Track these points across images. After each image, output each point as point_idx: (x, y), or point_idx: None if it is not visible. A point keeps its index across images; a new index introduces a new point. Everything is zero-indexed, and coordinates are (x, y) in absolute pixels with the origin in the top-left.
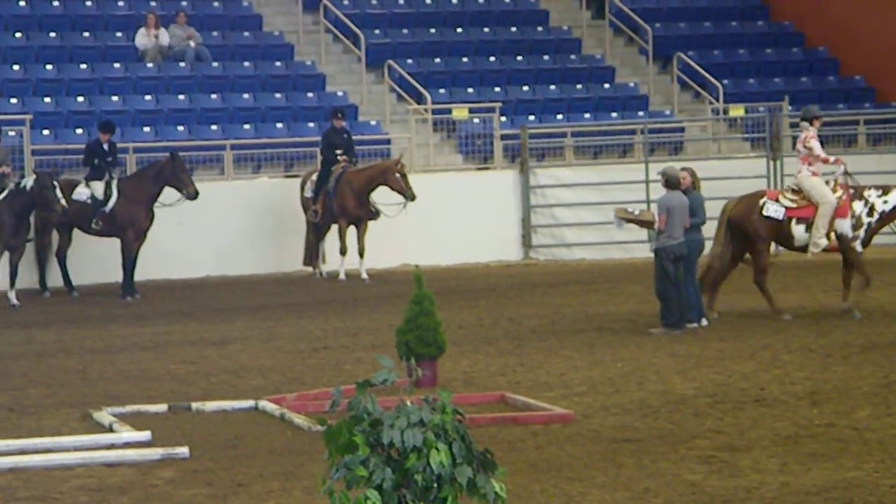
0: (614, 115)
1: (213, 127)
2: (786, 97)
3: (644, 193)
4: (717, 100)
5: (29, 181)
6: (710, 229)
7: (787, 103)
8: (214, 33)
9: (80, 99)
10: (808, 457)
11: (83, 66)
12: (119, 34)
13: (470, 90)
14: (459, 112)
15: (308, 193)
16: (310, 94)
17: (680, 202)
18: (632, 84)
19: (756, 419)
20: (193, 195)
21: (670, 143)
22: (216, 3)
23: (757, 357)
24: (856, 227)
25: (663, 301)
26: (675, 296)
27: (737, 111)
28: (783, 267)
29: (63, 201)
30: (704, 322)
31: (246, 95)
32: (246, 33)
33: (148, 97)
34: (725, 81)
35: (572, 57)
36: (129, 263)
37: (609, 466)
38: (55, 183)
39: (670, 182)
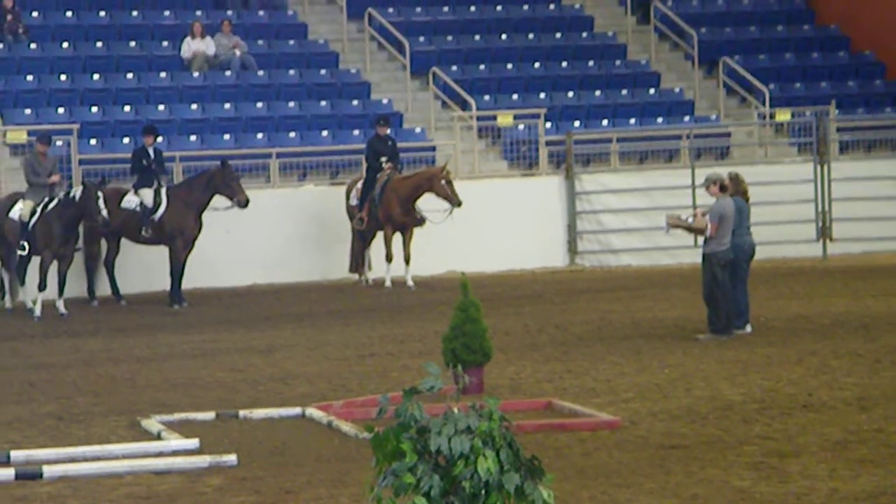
0: (660, 120)
1: (259, 135)
2: (832, 101)
3: (690, 198)
4: (764, 104)
5: (77, 191)
6: (756, 234)
7: (833, 107)
8: (260, 42)
9: (127, 108)
10: (857, 462)
11: (130, 75)
12: (165, 43)
13: (515, 96)
14: (504, 118)
15: (354, 201)
16: (355, 102)
17: (731, 207)
18: (677, 89)
19: (804, 425)
20: (244, 203)
21: (716, 148)
22: (261, 12)
23: (805, 362)
24: None
25: (711, 307)
26: (723, 301)
27: (783, 116)
28: (831, 272)
29: (105, 213)
30: (749, 328)
31: (291, 104)
32: (291, 42)
33: (194, 106)
34: (771, 86)
35: (617, 62)
36: (176, 272)
37: (657, 473)
38: (99, 193)
39: (723, 187)
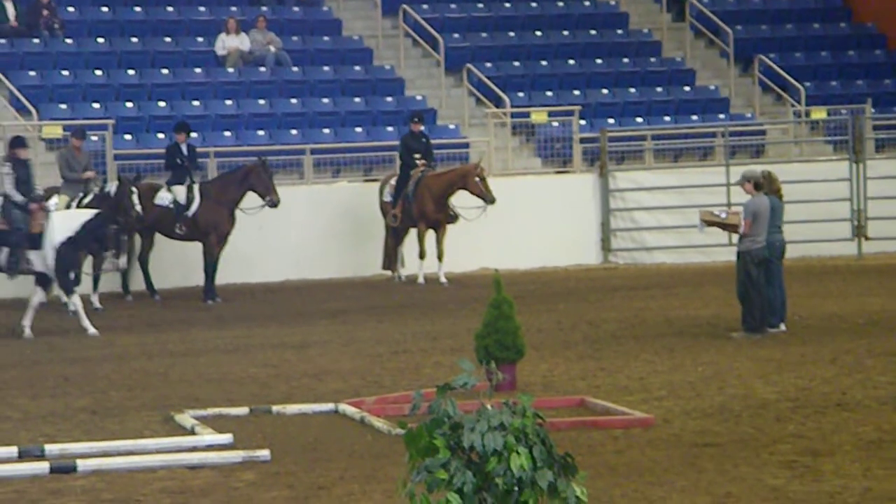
0: (695, 117)
1: (293, 131)
2: (868, 99)
3: (725, 196)
4: (799, 102)
5: (112, 186)
6: (791, 232)
7: (869, 105)
8: (294, 38)
9: (162, 104)
10: (891, 461)
11: (165, 70)
12: (200, 39)
13: (549, 93)
14: (538, 115)
15: (387, 197)
16: (389, 99)
17: (765, 206)
18: (712, 87)
19: (838, 423)
20: (276, 203)
21: (751, 145)
22: (296, 8)
23: (839, 361)
24: None
25: (745, 304)
26: (758, 299)
27: (819, 114)
28: (866, 270)
29: (139, 208)
30: (783, 326)
31: (325, 100)
32: (325, 38)
33: (228, 102)
34: (807, 84)
35: (652, 60)
36: (210, 267)
37: (690, 471)
38: (133, 189)
39: (758, 185)
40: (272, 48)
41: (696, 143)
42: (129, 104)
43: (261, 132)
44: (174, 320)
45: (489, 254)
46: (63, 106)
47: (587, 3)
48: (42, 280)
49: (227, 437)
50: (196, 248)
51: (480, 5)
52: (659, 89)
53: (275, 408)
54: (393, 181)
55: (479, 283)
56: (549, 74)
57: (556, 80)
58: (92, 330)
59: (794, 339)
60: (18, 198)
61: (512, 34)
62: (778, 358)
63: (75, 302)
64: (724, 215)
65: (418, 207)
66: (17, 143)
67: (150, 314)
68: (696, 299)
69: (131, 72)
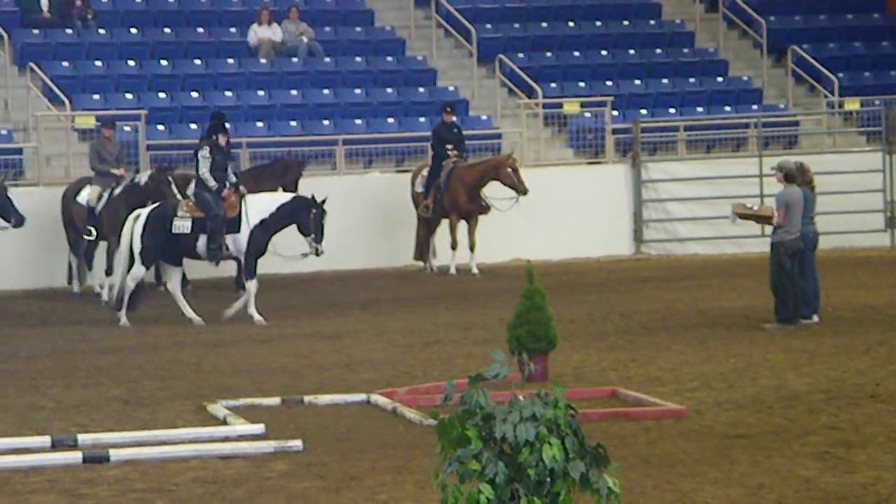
0: (727, 108)
1: (325, 122)
2: None
3: (758, 188)
4: (833, 93)
5: (143, 176)
6: (824, 224)
7: None
8: (327, 28)
9: (195, 94)
10: None
11: (197, 61)
12: (233, 30)
13: (581, 84)
14: (571, 106)
15: (419, 188)
16: (421, 89)
17: (798, 196)
18: (745, 77)
19: (871, 415)
20: None
21: (784, 136)
22: None
23: (872, 353)
24: None
25: (778, 296)
26: (791, 291)
27: (852, 105)
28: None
29: (179, 197)
30: (816, 318)
31: (357, 90)
32: (358, 28)
33: (261, 92)
34: (841, 75)
35: (685, 50)
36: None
37: (722, 462)
38: (170, 178)
39: (789, 176)
40: (305, 39)
41: (728, 133)
42: (162, 95)
43: (293, 123)
44: (207, 310)
45: (521, 244)
46: (96, 96)
47: None
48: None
49: (259, 428)
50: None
51: None
52: (692, 80)
53: (307, 398)
54: (425, 172)
55: (511, 274)
56: (582, 65)
57: (588, 71)
58: (258, 317)
59: (826, 331)
60: (212, 183)
61: (544, 25)
62: (811, 349)
63: (250, 287)
64: (755, 207)
65: (450, 198)
66: (219, 128)
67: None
68: (729, 290)
69: (164, 62)
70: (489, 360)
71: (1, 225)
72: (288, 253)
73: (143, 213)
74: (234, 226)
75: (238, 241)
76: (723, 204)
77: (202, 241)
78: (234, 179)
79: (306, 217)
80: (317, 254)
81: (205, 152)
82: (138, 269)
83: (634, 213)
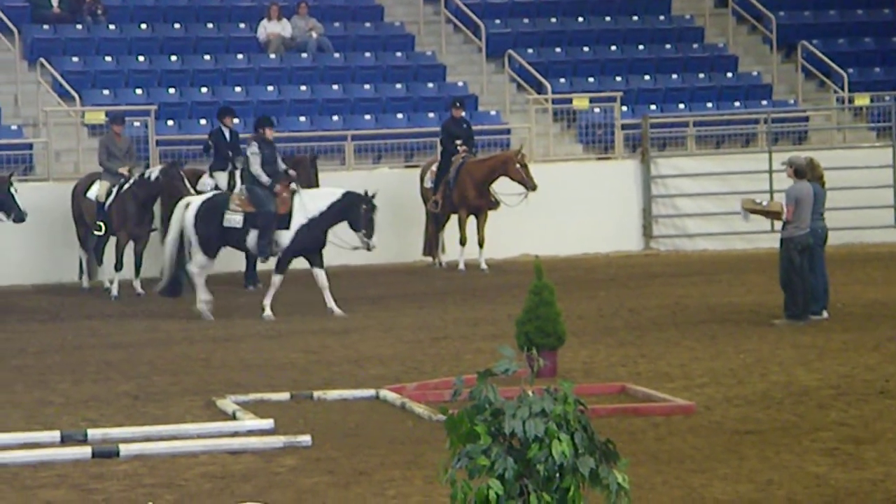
0: (737, 104)
1: (335, 118)
2: None
3: (767, 183)
4: (842, 89)
5: (153, 171)
6: (833, 219)
7: None
8: (336, 24)
9: (204, 90)
10: None
11: (207, 57)
12: (242, 25)
13: (591, 79)
14: (580, 102)
15: (428, 184)
16: (430, 85)
17: (807, 192)
18: (755, 73)
19: (881, 411)
20: None
21: (794, 132)
22: None
23: (882, 349)
24: None
25: (788, 291)
26: (800, 286)
27: (862, 100)
28: None
29: (193, 191)
30: (825, 314)
31: (367, 86)
32: (367, 24)
33: (270, 88)
34: (850, 70)
35: (695, 46)
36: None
37: (731, 458)
38: (182, 173)
39: (798, 171)
40: (314, 34)
41: (738, 129)
42: (172, 90)
43: (302, 118)
44: (216, 306)
45: (530, 240)
46: (106, 92)
47: None
48: (312, 260)
49: (268, 423)
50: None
51: None
52: (701, 75)
53: (316, 393)
54: (434, 167)
55: (520, 270)
56: (591, 60)
57: (597, 67)
58: (268, 312)
59: (836, 327)
60: (265, 179)
61: (554, 20)
62: (820, 345)
63: (275, 281)
64: (764, 203)
65: (459, 194)
66: (265, 122)
67: (191, 300)
68: (738, 286)
69: (174, 58)
70: (498, 356)
71: (2, 219)
72: (342, 243)
73: (194, 201)
74: (284, 222)
75: (284, 237)
76: (732, 200)
77: (252, 236)
78: (286, 175)
79: (357, 213)
80: (368, 248)
81: (254, 149)
82: (201, 258)
83: (644, 208)
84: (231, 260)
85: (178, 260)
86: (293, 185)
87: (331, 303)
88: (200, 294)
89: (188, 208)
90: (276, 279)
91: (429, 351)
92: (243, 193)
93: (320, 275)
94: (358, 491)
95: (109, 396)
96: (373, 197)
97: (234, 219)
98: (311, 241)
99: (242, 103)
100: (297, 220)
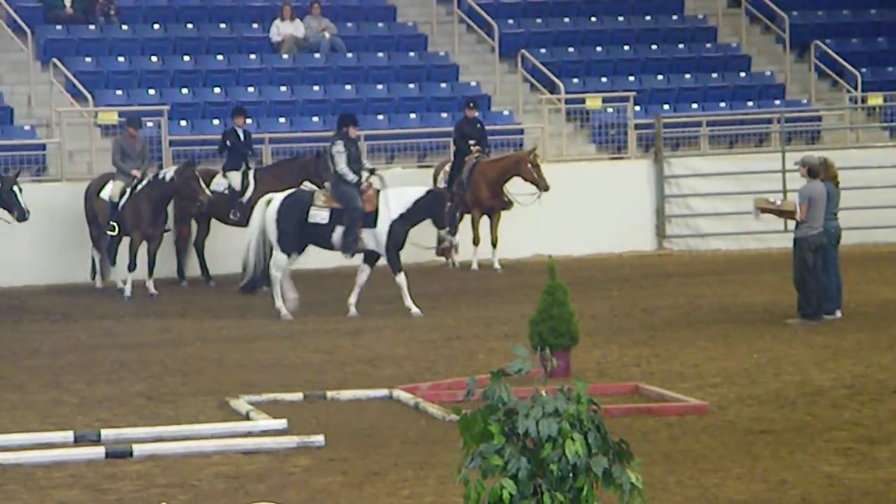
0: (750, 104)
1: None
2: None
3: (780, 183)
4: (856, 88)
5: (168, 172)
6: (847, 219)
7: None
8: (349, 24)
9: (217, 90)
10: None
11: (220, 57)
12: (255, 26)
13: (604, 79)
14: (593, 101)
15: (441, 184)
16: (443, 85)
17: (820, 191)
18: (768, 73)
19: (895, 411)
20: None
21: (807, 132)
22: None
23: (895, 348)
24: None
25: (801, 291)
26: (814, 286)
27: (875, 100)
28: None
29: (208, 192)
30: (839, 313)
31: (380, 86)
32: (380, 24)
33: (283, 88)
34: (864, 70)
35: (708, 45)
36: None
37: (745, 458)
38: (197, 173)
39: (812, 171)
40: (327, 34)
41: (751, 129)
42: (185, 90)
43: (315, 118)
44: (229, 306)
45: (543, 240)
46: (118, 92)
47: None
48: (370, 258)
49: (281, 423)
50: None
51: None
52: (714, 75)
53: (329, 393)
54: (447, 167)
55: (533, 270)
56: (604, 60)
57: (610, 66)
58: (415, 310)
59: (850, 326)
60: (351, 176)
61: (567, 20)
62: (834, 345)
63: (400, 281)
64: (778, 202)
65: (472, 194)
66: (348, 120)
67: (204, 300)
68: (752, 286)
69: (186, 58)
70: (511, 356)
71: (5, 218)
72: (425, 244)
73: (276, 198)
74: (371, 220)
75: (377, 236)
76: (745, 199)
77: (338, 233)
78: (369, 167)
79: (441, 210)
80: (451, 245)
81: (339, 147)
82: (280, 257)
83: (657, 208)
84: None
85: (261, 256)
86: (377, 183)
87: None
88: (287, 293)
89: (270, 204)
90: (401, 279)
91: (442, 351)
92: (329, 190)
93: (365, 272)
94: (371, 491)
95: (123, 397)
96: (454, 194)
97: (320, 215)
98: (399, 237)
99: (255, 103)
100: (386, 216)
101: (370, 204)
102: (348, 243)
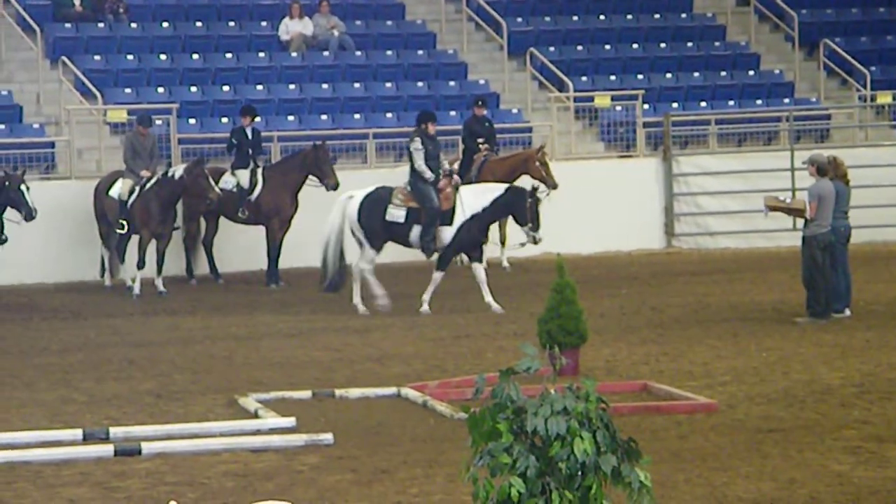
0: (759, 102)
1: (356, 116)
2: None
3: (789, 181)
4: (864, 87)
5: (177, 170)
6: (856, 217)
7: None
8: (358, 22)
9: (226, 88)
10: None
11: (228, 55)
12: (264, 24)
13: (612, 77)
14: (602, 100)
15: None
16: (452, 83)
17: (830, 190)
18: (777, 71)
19: None
20: (333, 186)
21: (816, 130)
22: None
23: None
24: None
25: (810, 290)
26: (823, 284)
27: (884, 98)
28: None
29: (217, 190)
30: (848, 312)
31: (388, 84)
32: (389, 22)
33: (292, 86)
34: (873, 68)
35: (716, 44)
36: (273, 251)
37: (754, 456)
38: (206, 171)
39: (821, 169)
40: (335, 32)
41: (760, 127)
42: (193, 88)
43: (324, 117)
44: (238, 304)
45: (552, 238)
46: (128, 90)
47: None
48: (475, 255)
49: (290, 421)
50: (260, 232)
51: None
52: (723, 73)
53: (338, 391)
54: (456, 165)
55: (542, 268)
56: (613, 58)
57: (619, 65)
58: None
59: (859, 325)
60: (429, 174)
61: (575, 18)
62: (843, 343)
63: (435, 277)
64: (788, 200)
65: None
66: (427, 117)
67: (214, 298)
68: (761, 284)
69: (195, 56)
70: (520, 354)
71: (14, 219)
72: (511, 242)
73: (357, 195)
74: (447, 218)
75: (447, 233)
76: (754, 198)
77: (415, 232)
78: (449, 169)
79: (522, 207)
80: (535, 242)
81: (417, 144)
82: (369, 253)
83: (665, 206)
84: (254, 258)
85: (340, 254)
86: (455, 180)
87: (488, 297)
88: (374, 290)
89: (351, 201)
90: (437, 276)
91: (451, 349)
92: (406, 188)
93: (479, 270)
94: (380, 489)
95: (131, 395)
96: (536, 190)
97: (397, 213)
98: (474, 236)
99: (264, 101)
100: (460, 215)
101: (447, 202)
102: (426, 243)
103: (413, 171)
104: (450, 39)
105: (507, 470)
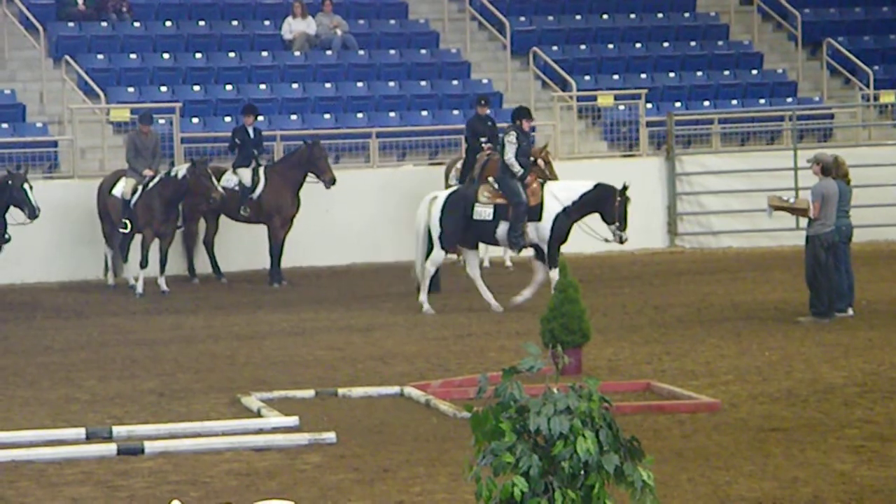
0: (762, 101)
1: (359, 115)
2: None
3: (792, 181)
4: (868, 86)
5: (181, 169)
6: (858, 217)
7: None
8: (361, 21)
9: (229, 87)
10: None
11: (231, 54)
12: (267, 23)
13: (615, 77)
14: (605, 99)
15: (453, 181)
16: (455, 82)
17: (833, 189)
18: (780, 70)
19: None
20: (330, 182)
21: (819, 129)
22: None
23: None
24: None
25: (813, 289)
26: (826, 284)
27: (887, 97)
28: None
29: (221, 189)
30: (850, 311)
31: (391, 83)
32: (392, 21)
33: (295, 85)
34: (876, 67)
35: (720, 43)
36: (275, 250)
37: (757, 455)
38: (209, 171)
39: (825, 169)
40: (338, 32)
41: (763, 126)
42: (196, 87)
43: (327, 116)
44: (240, 303)
45: None
46: (131, 89)
47: None
48: (540, 253)
49: (293, 420)
50: (262, 230)
51: None
52: (726, 73)
53: (340, 390)
54: (459, 165)
55: None
56: (616, 58)
57: (622, 64)
58: (495, 304)
59: (861, 324)
60: (517, 168)
61: (578, 17)
62: (845, 342)
63: (553, 276)
64: (791, 200)
65: None
66: (523, 113)
67: (216, 297)
68: (764, 284)
69: (198, 55)
70: (523, 353)
71: (18, 220)
72: (594, 234)
73: (441, 195)
74: (535, 214)
75: (541, 230)
76: (757, 197)
77: (503, 228)
78: (533, 165)
79: (611, 205)
80: (620, 241)
81: (511, 138)
82: (438, 254)
83: (668, 206)
84: (256, 257)
85: (427, 254)
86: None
87: (528, 292)
88: (485, 294)
89: (435, 201)
90: (554, 273)
91: (454, 348)
92: (493, 185)
93: (541, 268)
94: (382, 488)
95: (134, 394)
96: (626, 188)
97: (484, 211)
98: (563, 230)
99: (267, 101)
100: (551, 210)
101: (535, 197)
102: (514, 238)
103: (503, 162)
104: (453, 39)
105: (509, 469)
